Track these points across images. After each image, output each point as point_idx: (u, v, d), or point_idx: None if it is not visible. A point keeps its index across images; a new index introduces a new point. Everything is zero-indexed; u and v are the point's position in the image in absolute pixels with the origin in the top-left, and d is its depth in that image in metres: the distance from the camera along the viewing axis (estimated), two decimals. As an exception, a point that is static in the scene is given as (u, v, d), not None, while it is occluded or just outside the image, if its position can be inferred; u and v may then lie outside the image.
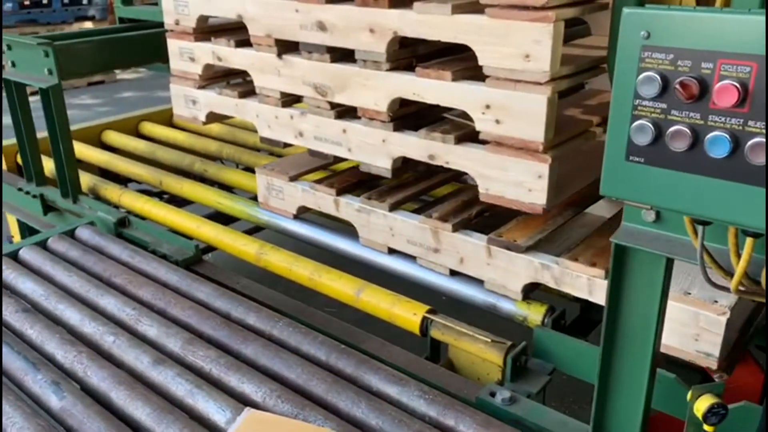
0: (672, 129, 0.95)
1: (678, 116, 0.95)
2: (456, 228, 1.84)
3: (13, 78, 2.52)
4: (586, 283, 1.64)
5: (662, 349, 1.46)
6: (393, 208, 1.98)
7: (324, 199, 2.12)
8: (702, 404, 1.13)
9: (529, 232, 1.78)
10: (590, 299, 1.67)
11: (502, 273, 1.77)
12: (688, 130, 0.94)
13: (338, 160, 2.23)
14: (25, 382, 1.50)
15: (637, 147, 0.99)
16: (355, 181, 2.15)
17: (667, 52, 0.94)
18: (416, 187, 2.12)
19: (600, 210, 1.99)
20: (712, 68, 0.90)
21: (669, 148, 0.96)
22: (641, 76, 0.96)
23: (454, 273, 1.88)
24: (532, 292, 1.79)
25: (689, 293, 1.50)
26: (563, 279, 1.68)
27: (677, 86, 0.93)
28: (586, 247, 1.72)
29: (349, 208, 2.06)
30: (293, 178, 2.21)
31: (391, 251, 2.00)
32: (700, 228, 1.04)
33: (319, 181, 2.15)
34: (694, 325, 1.48)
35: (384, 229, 1.99)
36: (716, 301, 1.47)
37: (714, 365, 1.48)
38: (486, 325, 1.71)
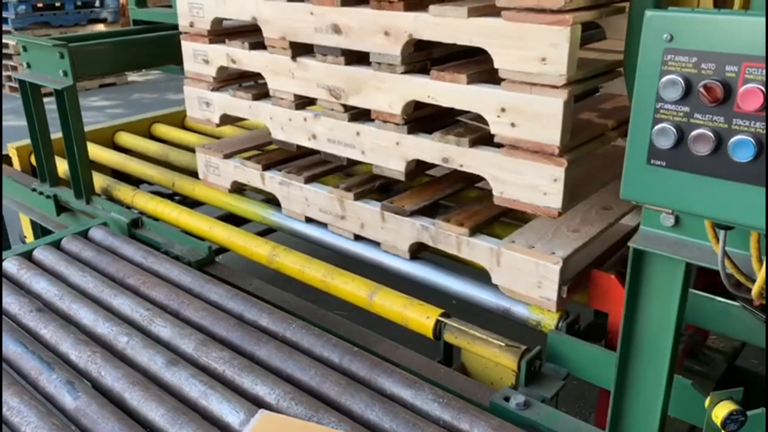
0: (695, 132, 0.95)
1: (701, 120, 0.94)
2: (357, 197, 2.05)
3: (28, 79, 2.53)
4: (455, 240, 1.84)
5: (511, 295, 1.76)
6: (308, 180, 2.19)
7: (252, 174, 2.32)
8: (721, 411, 1.12)
9: (418, 200, 2.01)
10: (459, 255, 1.85)
11: (393, 235, 1.98)
12: (711, 134, 0.93)
13: (271, 141, 2.34)
14: (39, 381, 1.51)
15: (659, 150, 0.99)
16: (281, 159, 2.36)
17: (690, 55, 0.93)
18: (332, 164, 2.27)
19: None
20: (737, 71, 0.90)
21: (691, 151, 0.96)
22: (664, 79, 0.95)
23: (358, 237, 2.09)
24: (419, 252, 1.98)
25: (533, 247, 1.71)
26: (438, 238, 1.88)
27: (701, 89, 0.92)
28: (460, 212, 1.91)
29: (272, 181, 2.26)
30: (227, 156, 2.42)
31: (309, 220, 2.21)
32: (721, 233, 1.03)
33: (248, 158, 2.37)
34: (536, 273, 1.68)
35: (301, 200, 2.20)
36: (554, 253, 1.67)
37: (553, 308, 1.68)
38: (499, 330, 1.70)
